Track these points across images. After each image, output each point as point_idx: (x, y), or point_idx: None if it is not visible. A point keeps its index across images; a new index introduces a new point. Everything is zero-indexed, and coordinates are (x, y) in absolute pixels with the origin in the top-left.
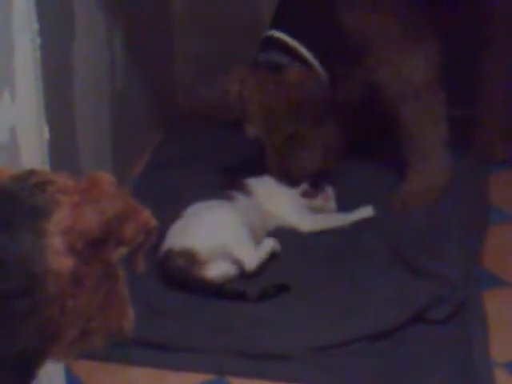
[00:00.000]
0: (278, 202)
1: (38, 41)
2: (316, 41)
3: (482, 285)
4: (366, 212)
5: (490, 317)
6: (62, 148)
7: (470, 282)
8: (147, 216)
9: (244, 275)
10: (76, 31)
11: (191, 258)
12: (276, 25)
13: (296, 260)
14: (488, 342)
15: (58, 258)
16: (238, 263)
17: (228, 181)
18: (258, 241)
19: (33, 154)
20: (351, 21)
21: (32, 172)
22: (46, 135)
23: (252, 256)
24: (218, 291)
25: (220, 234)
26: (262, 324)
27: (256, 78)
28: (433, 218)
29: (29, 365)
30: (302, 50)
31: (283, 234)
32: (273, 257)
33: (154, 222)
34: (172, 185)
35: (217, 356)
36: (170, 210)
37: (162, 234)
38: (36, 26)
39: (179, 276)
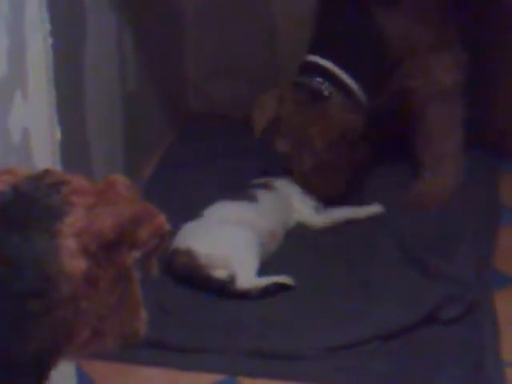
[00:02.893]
0: (296, 199)
1: (50, 41)
2: (358, 64)
3: (493, 285)
4: (375, 208)
5: (501, 317)
6: (73, 149)
7: (482, 282)
8: (162, 220)
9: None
10: (87, 32)
11: (192, 257)
12: (316, 50)
13: (307, 260)
14: (499, 341)
15: (72, 259)
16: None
17: (252, 181)
18: (279, 237)
19: (45, 155)
20: (393, 32)
21: (47, 172)
22: (58, 136)
23: (248, 277)
24: (221, 289)
25: (223, 245)
26: (274, 324)
27: (296, 101)
28: (444, 219)
29: (42, 366)
30: (345, 77)
31: (296, 234)
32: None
33: (168, 227)
34: (183, 186)
35: (228, 356)
36: (181, 211)
37: (173, 234)
38: (48, 27)
39: (184, 273)
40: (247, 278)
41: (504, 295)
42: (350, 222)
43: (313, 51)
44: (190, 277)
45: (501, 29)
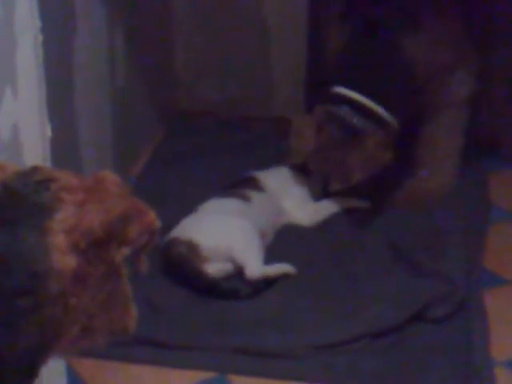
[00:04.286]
0: (286, 196)
1: (41, 38)
2: (389, 95)
3: (482, 283)
4: (362, 203)
5: (490, 315)
6: (62, 145)
7: (471, 280)
8: (152, 217)
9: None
10: (78, 29)
11: (193, 249)
12: (346, 82)
13: (298, 258)
14: (489, 340)
15: (62, 256)
16: (239, 267)
17: (240, 178)
18: (269, 238)
19: (35, 152)
20: (418, 58)
21: (35, 169)
22: (49, 133)
23: (257, 266)
24: (211, 287)
25: (227, 236)
26: (264, 322)
27: (334, 135)
28: (434, 217)
29: (31, 363)
30: (378, 109)
31: (285, 232)
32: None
33: (158, 224)
34: (173, 183)
35: (218, 354)
36: (170, 208)
37: (163, 230)
38: (38, 24)
39: (178, 264)
40: (256, 267)
41: (493, 294)
42: (339, 220)
43: (342, 83)
44: (182, 269)
45: (493, 31)
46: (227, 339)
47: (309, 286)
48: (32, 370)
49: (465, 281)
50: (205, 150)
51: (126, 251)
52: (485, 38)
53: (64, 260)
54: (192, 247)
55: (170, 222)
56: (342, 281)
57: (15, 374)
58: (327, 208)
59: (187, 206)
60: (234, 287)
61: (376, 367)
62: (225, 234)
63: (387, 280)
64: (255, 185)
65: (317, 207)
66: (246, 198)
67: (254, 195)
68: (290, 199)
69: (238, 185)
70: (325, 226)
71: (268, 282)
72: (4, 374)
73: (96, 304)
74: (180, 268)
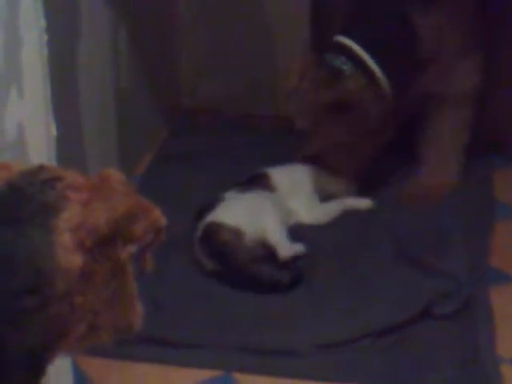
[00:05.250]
0: (296, 196)
1: (46, 38)
2: (387, 54)
3: (488, 281)
4: (365, 203)
5: (496, 312)
6: (67, 145)
7: (476, 278)
8: (157, 215)
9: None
10: (82, 29)
11: (240, 237)
12: (347, 32)
13: (302, 257)
14: (494, 337)
15: (67, 255)
16: (270, 249)
17: (250, 175)
18: None
19: (40, 151)
20: (426, 32)
21: (41, 168)
22: (54, 132)
23: (287, 246)
24: (254, 277)
25: (262, 219)
26: (268, 320)
27: (315, 77)
28: (439, 215)
29: (38, 361)
30: (371, 63)
31: (289, 231)
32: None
33: (164, 221)
34: (177, 182)
35: (224, 352)
36: (174, 207)
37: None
38: (43, 24)
39: (222, 251)
40: (287, 247)
41: (499, 291)
42: (342, 219)
43: (343, 33)
44: (227, 256)
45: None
46: (233, 337)
47: (313, 284)
48: (39, 369)
49: (468, 278)
50: (209, 148)
51: (131, 249)
52: (496, 32)
53: (70, 258)
54: (238, 234)
55: (173, 221)
56: (346, 279)
57: (22, 372)
58: (335, 209)
59: (192, 205)
60: (275, 279)
61: (380, 365)
62: (260, 218)
63: (391, 278)
64: (267, 184)
65: (325, 209)
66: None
67: (266, 195)
68: (299, 200)
69: (251, 182)
70: (328, 224)
71: (301, 275)
72: (11, 372)
73: (102, 302)
74: (223, 254)
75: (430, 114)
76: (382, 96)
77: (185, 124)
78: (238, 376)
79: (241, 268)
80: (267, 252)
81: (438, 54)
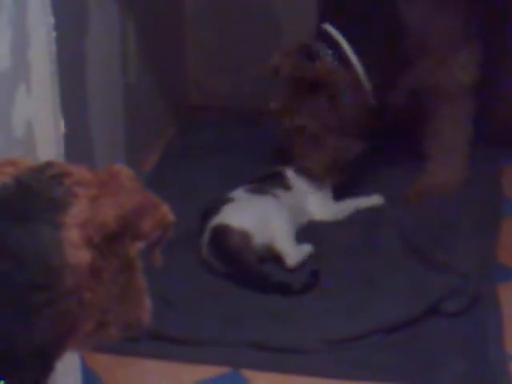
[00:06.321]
0: (312, 196)
1: (54, 35)
2: (368, 42)
3: (496, 277)
4: (376, 199)
5: (504, 309)
6: (75, 141)
7: (484, 274)
8: (165, 211)
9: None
10: (90, 26)
11: (247, 240)
12: (328, 16)
13: (311, 254)
14: (503, 334)
15: (76, 251)
16: (277, 257)
17: (264, 173)
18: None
19: (49, 148)
20: (413, 21)
21: (49, 164)
22: (62, 129)
23: (295, 253)
24: (263, 280)
25: (270, 225)
26: (276, 317)
27: (294, 58)
28: (447, 211)
29: (47, 357)
30: (349, 49)
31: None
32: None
33: (172, 218)
34: (185, 178)
35: (231, 349)
36: (182, 204)
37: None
38: (51, 20)
39: (231, 253)
40: (294, 254)
41: (507, 288)
42: (351, 216)
43: (331, 22)
44: (233, 259)
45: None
46: (240, 334)
47: (322, 280)
48: (47, 365)
49: (478, 275)
50: (217, 144)
51: (139, 245)
52: (498, 22)
53: (78, 254)
54: (246, 237)
55: (181, 217)
56: (355, 275)
57: (31, 368)
58: (349, 207)
59: (200, 201)
60: (285, 282)
61: (389, 362)
62: (269, 223)
63: (400, 274)
64: (282, 182)
65: (339, 207)
66: (274, 196)
67: (281, 194)
68: (315, 198)
69: (265, 181)
70: (338, 221)
71: (317, 278)
72: (20, 368)
73: (110, 298)
74: (230, 258)
75: (431, 110)
76: (357, 83)
77: (192, 120)
78: (246, 372)
79: (250, 271)
80: (275, 255)
81: (427, 45)
